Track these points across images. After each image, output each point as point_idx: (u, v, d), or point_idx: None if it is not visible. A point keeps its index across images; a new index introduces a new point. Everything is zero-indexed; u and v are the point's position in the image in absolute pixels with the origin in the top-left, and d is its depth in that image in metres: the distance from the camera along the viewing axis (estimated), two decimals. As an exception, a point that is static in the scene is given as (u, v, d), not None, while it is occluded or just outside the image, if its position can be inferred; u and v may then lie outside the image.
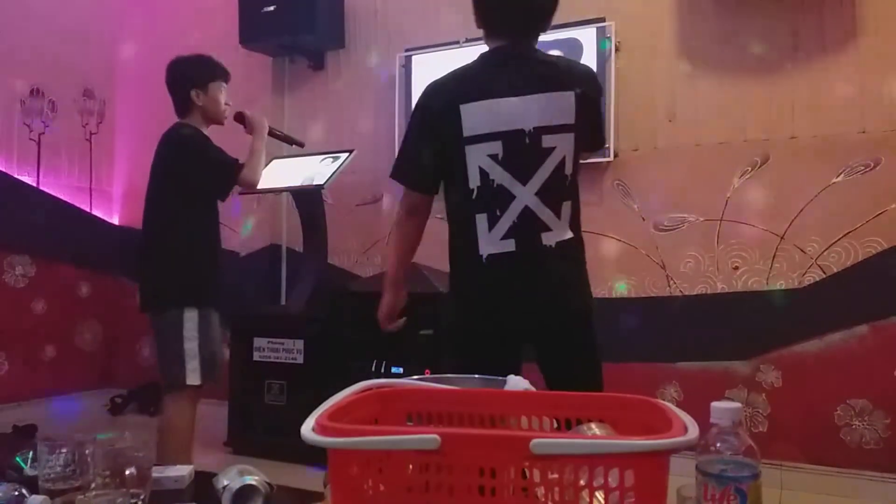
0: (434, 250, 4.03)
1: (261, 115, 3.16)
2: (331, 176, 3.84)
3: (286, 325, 3.87)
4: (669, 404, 0.96)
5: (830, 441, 3.20)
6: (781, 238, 3.33)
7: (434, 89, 2.01)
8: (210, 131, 2.97)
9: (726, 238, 3.44)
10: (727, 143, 3.46)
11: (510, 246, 1.92)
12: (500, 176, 1.90)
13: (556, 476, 0.84)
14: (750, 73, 3.42)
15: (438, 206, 4.08)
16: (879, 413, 3.14)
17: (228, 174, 2.89)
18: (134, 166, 5.11)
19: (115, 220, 5.21)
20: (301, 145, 3.45)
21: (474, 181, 1.92)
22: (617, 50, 3.63)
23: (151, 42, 5.01)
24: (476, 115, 1.91)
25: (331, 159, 3.96)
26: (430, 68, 4.07)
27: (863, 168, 3.20)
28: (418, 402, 1.10)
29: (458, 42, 3.93)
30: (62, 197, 4.90)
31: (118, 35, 5.24)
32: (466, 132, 1.91)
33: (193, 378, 2.81)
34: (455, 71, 2.04)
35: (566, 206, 1.95)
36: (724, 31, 3.47)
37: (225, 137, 3.02)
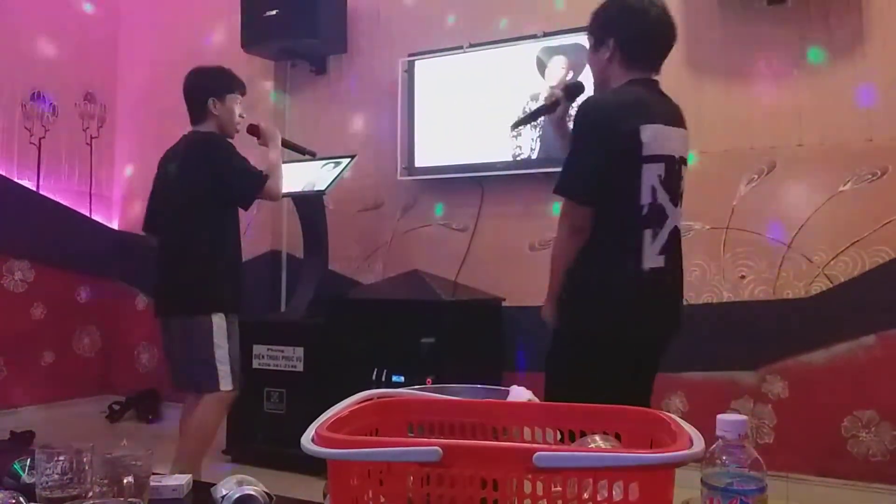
0: (435, 257, 4.06)
1: (273, 126, 3.26)
2: (332, 181, 3.83)
3: (286, 333, 3.85)
4: (675, 416, 0.96)
5: (837, 453, 3.17)
6: (788, 247, 3.30)
7: (608, 107, 2.10)
8: None
9: (732, 246, 3.41)
10: (733, 151, 3.44)
11: (661, 262, 2.09)
12: (662, 196, 2.07)
13: (559, 489, 0.83)
14: (756, 81, 3.41)
15: (440, 212, 4.09)
16: (887, 425, 3.10)
17: (256, 184, 2.96)
18: (134, 171, 5.11)
19: (115, 225, 5.21)
20: (313, 155, 3.51)
21: (646, 198, 2.05)
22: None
23: (153, 46, 5.01)
24: (652, 137, 2.04)
25: (332, 164, 3.95)
26: (432, 74, 4.07)
27: (870, 177, 3.18)
28: (419, 413, 1.10)
29: (461, 47, 3.91)
30: (62, 201, 4.90)
31: (119, 38, 5.24)
32: (645, 151, 2.03)
33: (226, 383, 2.90)
34: (621, 92, 2.13)
35: None
36: (730, 38, 3.46)
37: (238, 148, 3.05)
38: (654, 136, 2.05)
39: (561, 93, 2.37)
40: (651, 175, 2.04)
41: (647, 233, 2.06)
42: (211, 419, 2.94)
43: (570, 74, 3.68)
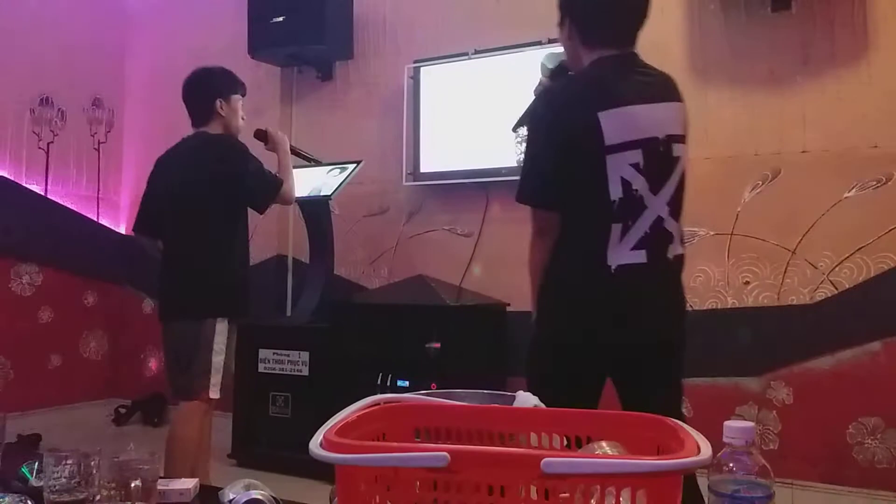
0: (441, 262, 4.07)
1: (281, 132, 3.21)
2: (338, 187, 3.85)
3: (291, 337, 3.86)
4: (681, 423, 0.95)
5: (842, 460, 3.16)
6: (793, 253, 3.30)
7: (561, 99, 1.94)
8: None
9: (737, 252, 3.41)
10: (738, 157, 3.44)
11: (641, 257, 1.86)
12: (640, 185, 1.85)
13: (566, 495, 0.82)
14: (761, 87, 3.41)
15: (445, 218, 4.11)
16: (892, 431, 3.09)
17: (273, 188, 2.94)
18: (142, 176, 5.09)
19: (122, 230, 5.22)
20: (319, 163, 3.47)
21: (616, 192, 1.84)
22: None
23: (160, 52, 5.04)
24: (615, 123, 1.84)
25: (338, 170, 3.97)
26: (438, 80, 4.09)
27: (875, 183, 3.18)
28: (426, 418, 1.09)
29: (467, 54, 3.92)
30: (70, 206, 4.92)
31: (127, 44, 5.27)
32: (608, 141, 1.83)
33: (216, 391, 2.83)
34: (577, 79, 1.98)
35: (681, 219, 1.95)
36: (735, 45, 3.46)
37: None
38: (620, 122, 1.84)
39: (548, 80, 2.17)
40: (620, 166, 1.84)
41: (616, 227, 1.85)
42: (192, 430, 2.80)
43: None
